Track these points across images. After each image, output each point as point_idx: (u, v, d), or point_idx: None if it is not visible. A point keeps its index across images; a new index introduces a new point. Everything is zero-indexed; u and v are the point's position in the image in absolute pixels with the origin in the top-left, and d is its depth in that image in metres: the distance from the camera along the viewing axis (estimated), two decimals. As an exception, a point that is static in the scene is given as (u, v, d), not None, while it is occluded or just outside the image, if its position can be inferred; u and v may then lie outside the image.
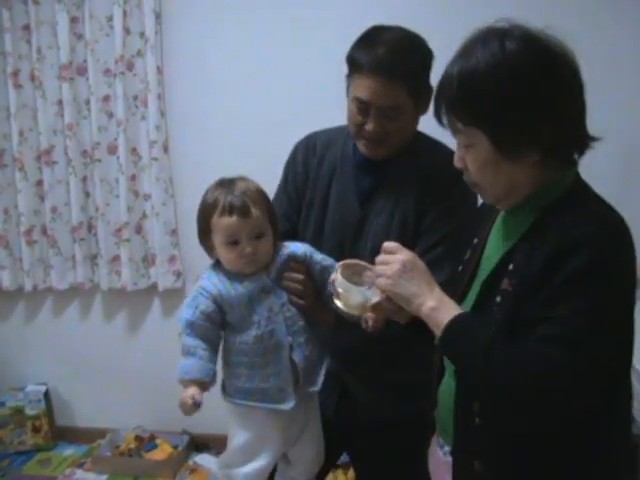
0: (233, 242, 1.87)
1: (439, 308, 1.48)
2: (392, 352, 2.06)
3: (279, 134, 3.63)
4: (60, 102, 3.90)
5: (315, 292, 2.00)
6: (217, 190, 1.91)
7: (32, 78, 3.91)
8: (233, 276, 1.91)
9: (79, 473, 3.99)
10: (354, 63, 1.96)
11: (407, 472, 2.19)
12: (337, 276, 1.72)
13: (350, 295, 1.70)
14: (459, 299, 1.59)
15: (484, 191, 1.51)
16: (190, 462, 4.01)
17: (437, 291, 1.52)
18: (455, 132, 1.47)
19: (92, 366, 4.23)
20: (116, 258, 4.02)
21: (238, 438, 2.00)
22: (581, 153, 1.48)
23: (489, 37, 1.41)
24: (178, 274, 3.97)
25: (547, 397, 1.33)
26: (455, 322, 1.44)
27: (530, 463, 1.45)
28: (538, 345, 1.34)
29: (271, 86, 3.71)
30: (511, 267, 1.45)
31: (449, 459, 1.63)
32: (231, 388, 1.97)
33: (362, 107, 1.95)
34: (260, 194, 1.93)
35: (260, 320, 1.90)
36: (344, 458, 2.54)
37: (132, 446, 4.01)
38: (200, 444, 4.07)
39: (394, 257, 1.56)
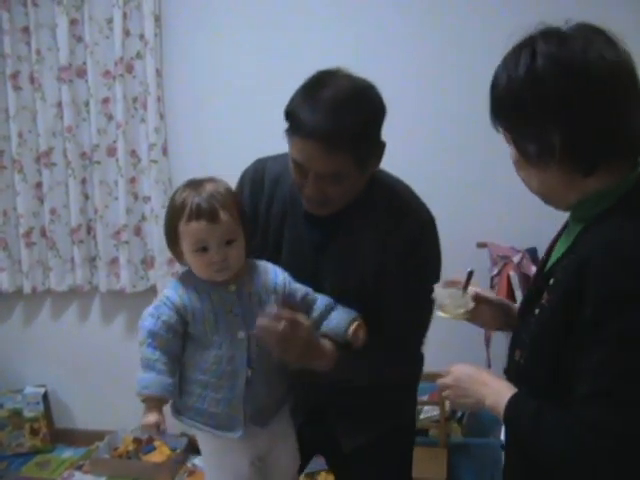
0: (202, 249, 1.76)
1: (495, 404, 1.51)
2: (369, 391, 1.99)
3: (279, 136, 3.65)
4: (59, 104, 3.91)
5: (310, 326, 1.82)
6: (184, 193, 1.79)
7: (31, 80, 3.92)
8: (202, 288, 1.81)
9: (77, 475, 3.99)
10: (292, 120, 1.78)
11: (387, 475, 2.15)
12: (438, 290, 1.80)
13: (453, 303, 1.80)
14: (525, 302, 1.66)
15: (529, 189, 1.52)
16: (188, 464, 4.00)
17: (489, 386, 1.56)
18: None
19: (91, 368, 4.24)
20: (115, 260, 4.03)
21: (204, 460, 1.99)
22: (634, 161, 1.43)
23: (521, 48, 1.40)
24: (177, 276, 3.97)
25: (597, 461, 1.33)
26: (508, 411, 1.47)
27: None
28: (579, 408, 1.34)
29: (270, 88, 3.69)
30: (551, 282, 1.46)
31: None
32: (181, 405, 1.90)
33: (300, 170, 1.79)
34: (230, 196, 1.81)
35: (222, 342, 1.80)
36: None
37: (130, 448, 4.01)
38: (198, 446, 4.06)
39: (444, 382, 1.66)
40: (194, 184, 1.81)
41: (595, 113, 1.34)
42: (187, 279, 1.85)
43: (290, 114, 1.79)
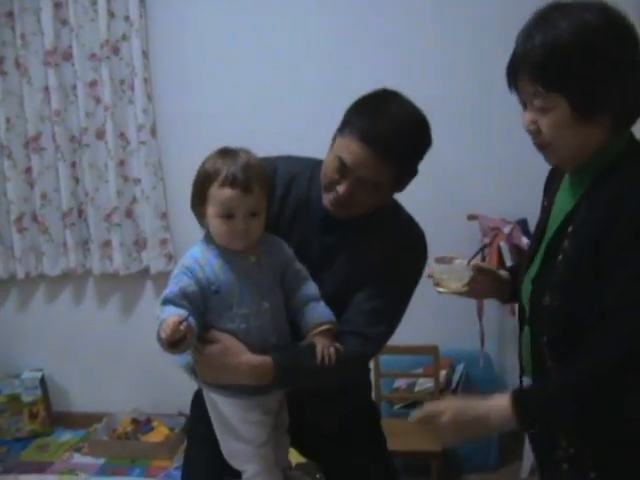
0: (227, 215, 1.78)
1: (501, 418, 1.57)
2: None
3: (266, 116, 3.66)
4: (46, 88, 3.90)
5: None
6: (219, 159, 1.81)
7: (17, 65, 3.91)
8: (225, 255, 1.83)
9: (77, 457, 4.02)
10: (351, 124, 1.84)
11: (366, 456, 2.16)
12: (434, 266, 1.88)
13: (449, 278, 1.86)
14: (530, 257, 1.74)
15: (554, 151, 1.60)
16: (187, 443, 4.04)
17: (484, 408, 1.61)
18: (533, 96, 1.55)
19: (87, 351, 4.26)
20: (107, 243, 4.04)
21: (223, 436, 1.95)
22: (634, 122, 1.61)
23: (568, 9, 1.51)
24: (169, 257, 3.99)
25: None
26: (519, 404, 1.55)
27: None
28: (603, 323, 1.47)
29: (258, 68, 3.71)
30: (570, 229, 1.58)
31: None
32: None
33: (342, 168, 1.83)
34: (262, 169, 1.83)
35: (249, 314, 1.83)
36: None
37: (129, 429, 4.04)
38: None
39: (444, 423, 1.64)
40: (229, 152, 1.83)
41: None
42: (212, 242, 1.85)
43: (350, 118, 1.86)
